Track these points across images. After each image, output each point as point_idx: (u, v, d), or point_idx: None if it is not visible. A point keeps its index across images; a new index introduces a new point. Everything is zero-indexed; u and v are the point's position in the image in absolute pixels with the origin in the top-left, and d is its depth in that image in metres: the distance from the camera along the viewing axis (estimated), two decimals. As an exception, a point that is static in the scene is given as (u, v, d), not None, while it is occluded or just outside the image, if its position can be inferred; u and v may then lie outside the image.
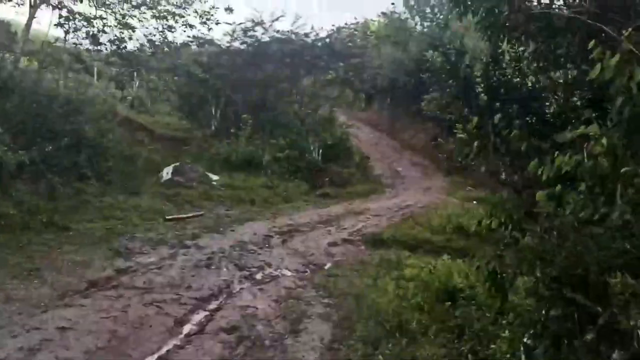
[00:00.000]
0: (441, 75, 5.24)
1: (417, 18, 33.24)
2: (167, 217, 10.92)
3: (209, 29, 16.00)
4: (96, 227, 9.57)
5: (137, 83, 23.97)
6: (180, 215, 11.39)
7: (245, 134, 19.13)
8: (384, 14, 34.11)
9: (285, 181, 17.74)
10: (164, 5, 14.83)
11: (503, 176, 4.64)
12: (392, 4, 33.28)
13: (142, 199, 12.16)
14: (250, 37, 20.94)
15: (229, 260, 8.55)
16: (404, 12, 33.04)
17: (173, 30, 15.50)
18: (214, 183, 15.58)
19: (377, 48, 30.73)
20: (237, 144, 19.02)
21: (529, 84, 4.39)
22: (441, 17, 30.65)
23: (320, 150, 20.94)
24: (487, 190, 22.35)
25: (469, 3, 4.75)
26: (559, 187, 3.23)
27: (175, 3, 14.98)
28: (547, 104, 4.42)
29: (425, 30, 31.80)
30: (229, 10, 15.55)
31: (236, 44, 21.24)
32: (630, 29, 2.99)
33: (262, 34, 20.94)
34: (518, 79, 4.49)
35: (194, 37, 16.35)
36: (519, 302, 4.63)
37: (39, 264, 7.27)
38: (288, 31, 21.11)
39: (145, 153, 17.34)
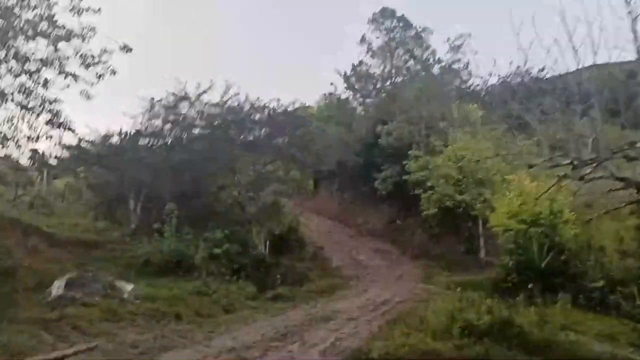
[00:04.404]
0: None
1: (359, 97, 31.99)
2: (25, 362, 6.60)
3: (99, 77, 11.90)
4: None
5: (39, 179, 19.86)
6: (52, 355, 7.09)
7: (171, 229, 15.27)
8: (324, 95, 32.92)
9: (225, 283, 14.18)
10: (24, 42, 10.61)
11: None
12: (332, 83, 32.25)
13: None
14: (174, 113, 17.70)
15: None
16: (345, 92, 31.82)
17: (48, 85, 11.36)
18: (126, 295, 11.46)
19: (321, 129, 28.81)
20: (161, 241, 15.14)
21: None
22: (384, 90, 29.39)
23: (267, 242, 17.97)
24: (466, 274, 19.47)
25: None
26: None
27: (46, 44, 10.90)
28: None
29: (370, 107, 30.42)
30: (127, 49, 11.69)
31: (157, 121, 17.89)
32: None
33: (189, 107, 17.80)
34: None
35: None
36: None
37: None
38: (217, 103, 18.07)
39: (34, 263, 13.27)
